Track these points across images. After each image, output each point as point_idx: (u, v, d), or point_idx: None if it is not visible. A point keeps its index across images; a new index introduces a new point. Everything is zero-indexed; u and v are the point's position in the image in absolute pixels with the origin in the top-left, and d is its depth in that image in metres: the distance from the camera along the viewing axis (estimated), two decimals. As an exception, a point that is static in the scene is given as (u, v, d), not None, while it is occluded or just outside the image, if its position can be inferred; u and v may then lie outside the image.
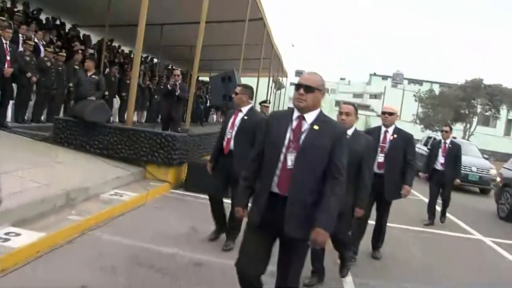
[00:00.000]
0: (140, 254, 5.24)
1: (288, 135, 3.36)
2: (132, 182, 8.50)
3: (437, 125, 43.33)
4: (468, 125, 46.04)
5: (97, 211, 6.27)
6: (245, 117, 6.02)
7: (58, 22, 18.18)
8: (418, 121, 47.71)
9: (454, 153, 9.52)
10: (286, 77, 40.23)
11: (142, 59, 22.60)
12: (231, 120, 6.07)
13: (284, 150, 3.33)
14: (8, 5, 14.39)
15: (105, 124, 9.69)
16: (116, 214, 6.56)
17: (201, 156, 10.34)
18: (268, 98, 25.20)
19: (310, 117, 3.38)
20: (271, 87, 31.81)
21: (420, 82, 74.66)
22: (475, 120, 46.56)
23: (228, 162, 5.93)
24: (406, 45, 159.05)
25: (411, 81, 77.51)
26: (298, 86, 3.38)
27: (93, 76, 10.76)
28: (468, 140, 29.80)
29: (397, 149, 6.09)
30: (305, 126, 3.36)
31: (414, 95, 51.31)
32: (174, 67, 27.96)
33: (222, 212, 6.19)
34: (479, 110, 45.83)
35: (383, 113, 6.25)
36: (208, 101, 23.21)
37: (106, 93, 13.03)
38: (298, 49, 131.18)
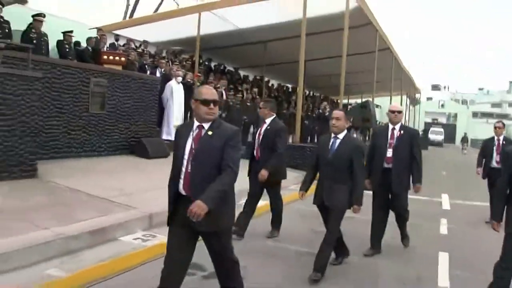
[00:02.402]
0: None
1: (190, 143, 3.71)
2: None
3: None
4: None
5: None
6: (268, 127, 6.72)
7: (222, 67, 22.63)
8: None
9: None
10: (420, 93, 42.26)
11: (290, 89, 26.65)
12: (258, 131, 6.85)
13: (186, 157, 3.68)
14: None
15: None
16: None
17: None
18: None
19: (207, 125, 3.73)
20: (406, 104, 34.20)
21: None
22: None
23: (258, 167, 6.61)
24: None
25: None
26: (208, 102, 3.67)
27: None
28: None
29: (404, 144, 6.43)
30: (203, 133, 3.72)
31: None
32: (314, 94, 31.71)
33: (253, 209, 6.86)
34: None
35: (393, 111, 6.59)
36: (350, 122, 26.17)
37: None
38: (433, 63, 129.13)
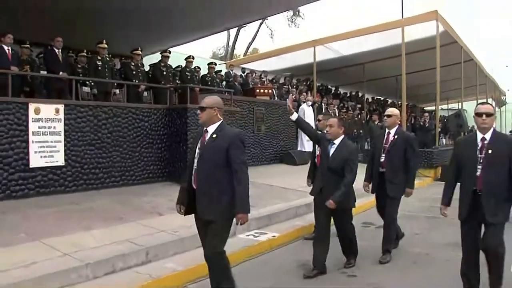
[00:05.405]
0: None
1: (199, 145, 4.28)
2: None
3: None
4: None
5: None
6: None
7: (324, 87, 25.79)
8: None
9: None
10: (504, 95, 43.68)
11: (382, 102, 29.49)
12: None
13: (196, 157, 4.27)
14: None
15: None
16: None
17: (445, 162, 16.42)
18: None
19: (211, 129, 4.24)
20: (492, 106, 35.69)
21: None
22: None
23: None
24: None
25: None
26: (198, 108, 4.28)
27: (379, 123, 17.80)
28: None
29: (397, 149, 6.22)
30: (208, 136, 4.24)
31: None
32: (415, 105, 34.02)
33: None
34: None
35: (383, 115, 6.72)
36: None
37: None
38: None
